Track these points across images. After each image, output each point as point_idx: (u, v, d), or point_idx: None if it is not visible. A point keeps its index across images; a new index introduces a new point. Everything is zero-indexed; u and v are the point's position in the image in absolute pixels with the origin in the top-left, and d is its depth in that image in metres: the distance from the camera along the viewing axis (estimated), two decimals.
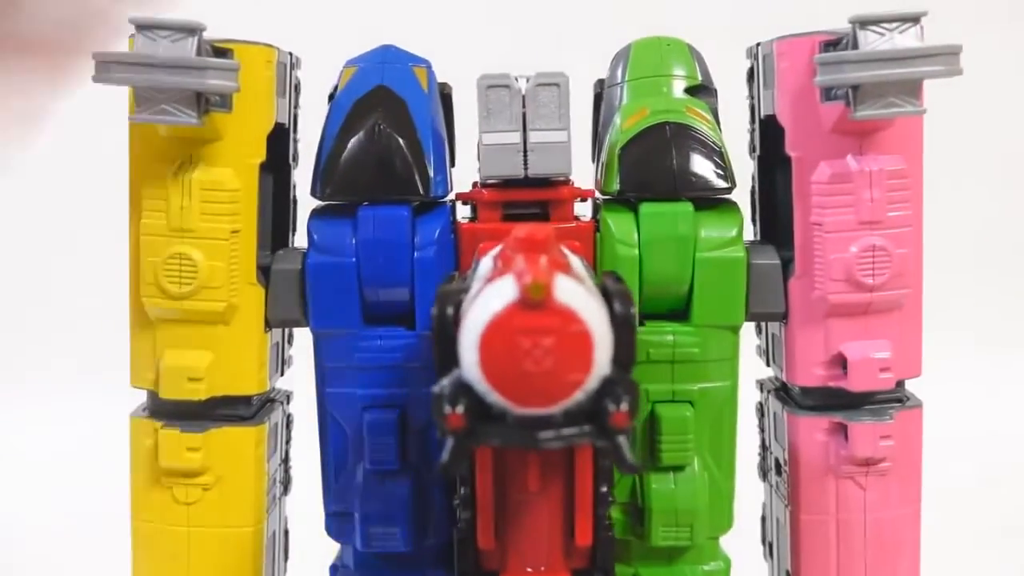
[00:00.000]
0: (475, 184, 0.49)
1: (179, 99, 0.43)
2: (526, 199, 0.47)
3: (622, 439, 0.32)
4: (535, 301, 0.30)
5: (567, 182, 0.48)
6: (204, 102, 0.44)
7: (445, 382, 0.32)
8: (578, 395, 0.31)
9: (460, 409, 0.31)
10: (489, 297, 0.32)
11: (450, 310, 0.34)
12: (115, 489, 0.52)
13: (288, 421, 0.54)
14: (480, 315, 0.31)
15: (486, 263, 0.39)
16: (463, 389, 0.32)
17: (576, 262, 0.40)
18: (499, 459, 0.39)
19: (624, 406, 0.31)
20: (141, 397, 0.50)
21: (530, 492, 0.40)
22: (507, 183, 0.47)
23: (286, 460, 0.54)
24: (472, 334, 0.31)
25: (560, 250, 0.38)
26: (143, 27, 0.42)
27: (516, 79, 0.46)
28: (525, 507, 0.40)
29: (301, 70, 0.52)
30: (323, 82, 0.50)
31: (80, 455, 0.94)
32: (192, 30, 0.42)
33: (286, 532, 0.55)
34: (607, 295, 0.35)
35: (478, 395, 0.32)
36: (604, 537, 0.41)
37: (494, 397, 0.31)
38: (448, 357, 0.33)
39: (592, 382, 0.31)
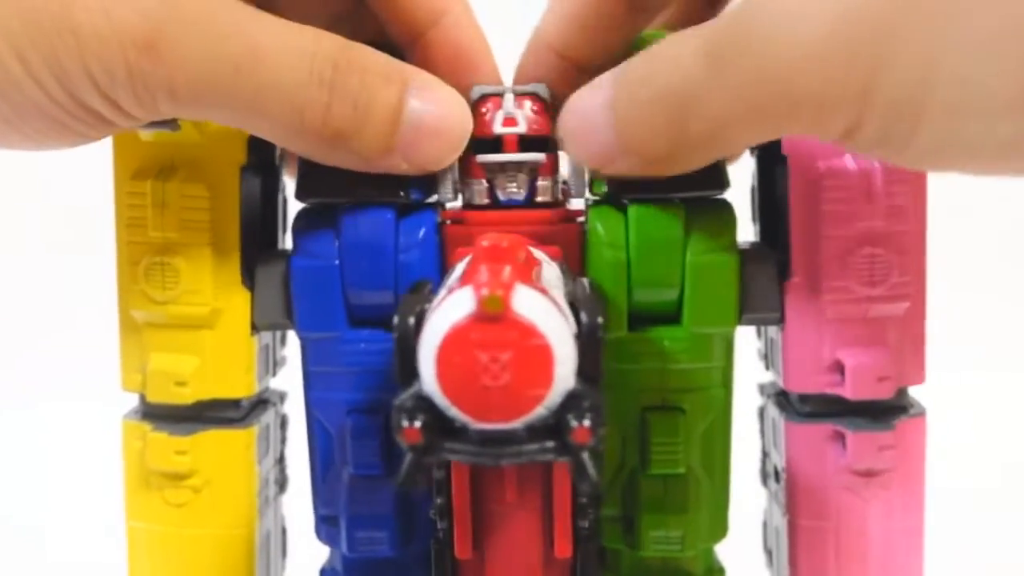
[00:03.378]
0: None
1: None
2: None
3: (585, 455, 0.31)
4: (492, 314, 0.30)
5: (557, 202, 0.47)
6: None
7: (405, 395, 0.31)
8: (539, 410, 0.30)
9: (418, 423, 0.31)
10: (447, 308, 0.31)
11: (411, 320, 0.33)
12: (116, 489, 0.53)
13: (283, 422, 0.54)
14: (438, 327, 0.30)
15: (457, 271, 0.38)
16: (423, 403, 0.31)
17: (549, 271, 0.39)
18: (475, 468, 0.39)
19: (587, 422, 0.30)
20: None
21: (507, 503, 0.39)
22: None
23: (281, 460, 0.54)
24: (429, 347, 0.31)
25: (530, 258, 0.37)
26: None
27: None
28: (503, 518, 0.40)
29: None
30: None
31: (84, 456, 0.95)
32: None
33: (283, 531, 0.55)
34: (575, 306, 0.34)
35: (438, 409, 0.31)
36: (585, 549, 0.40)
37: (453, 411, 0.31)
38: (409, 369, 0.32)
39: (554, 397, 0.30)
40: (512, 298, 0.30)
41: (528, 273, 0.33)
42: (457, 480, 0.38)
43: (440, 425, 0.31)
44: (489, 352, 0.30)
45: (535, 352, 0.30)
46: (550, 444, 0.31)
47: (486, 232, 0.44)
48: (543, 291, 0.32)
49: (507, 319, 0.29)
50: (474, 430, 0.31)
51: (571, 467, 0.31)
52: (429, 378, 0.31)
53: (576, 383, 0.31)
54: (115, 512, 0.51)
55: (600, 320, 0.33)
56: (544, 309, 0.31)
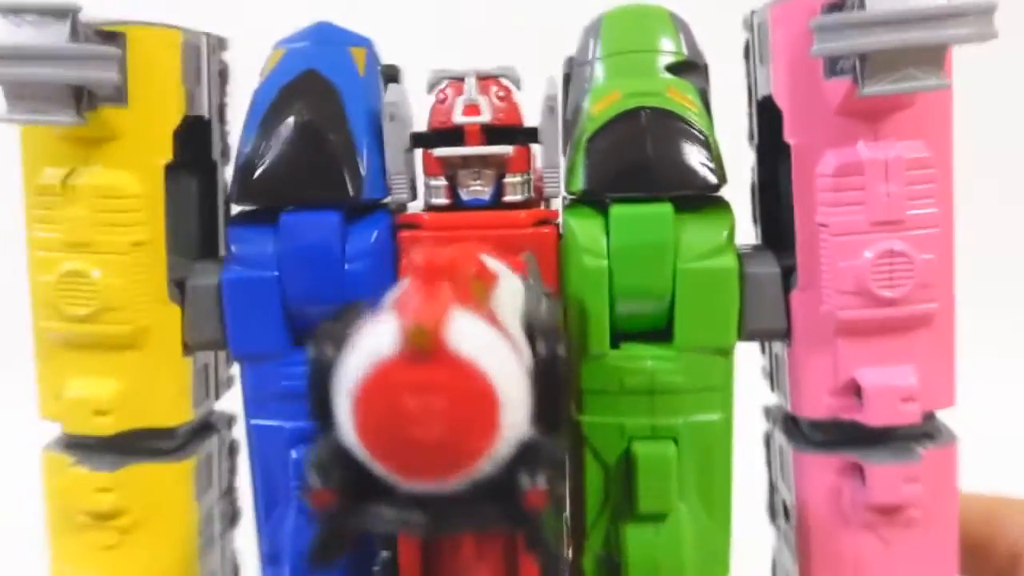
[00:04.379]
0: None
1: (54, 94, 0.38)
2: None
3: (541, 521, 0.25)
4: (421, 350, 0.24)
5: (528, 202, 0.42)
6: (88, 96, 0.39)
7: (318, 447, 0.26)
8: (483, 466, 0.25)
9: (332, 484, 0.25)
10: (368, 341, 0.25)
11: (328, 353, 0.27)
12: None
13: (231, 448, 0.50)
14: (356, 365, 0.25)
15: (395, 291, 0.32)
16: (340, 456, 0.25)
17: (508, 289, 0.33)
18: None
19: (541, 481, 0.24)
20: None
21: (463, 559, 0.33)
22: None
23: (229, 492, 0.50)
24: (347, 389, 0.25)
25: (483, 273, 0.31)
26: (5, 10, 0.37)
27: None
28: None
29: (229, 53, 0.47)
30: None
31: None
32: (64, 12, 0.37)
33: (236, 569, 0.50)
34: (532, 335, 0.28)
35: (358, 464, 0.25)
36: None
37: (377, 468, 0.25)
38: (325, 415, 0.26)
39: (502, 449, 0.25)
40: (447, 329, 0.24)
41: (473, 295, 0.27)
42: (403, 538, 0.32)
43: (361, 484, 0.25)
44: (418, 397, 0.24)
45: (475, 395, 0.24)
46: (496, 510, 0.25)
47: (445, 239, 0.39)
48: (491, 318, 0.26)
49: (440, 356, 0.24)
50: (403, 491, 0.25)
51: (524, 536, 0.25)
52: (347, 427, 0.25)
53: (531, 431, 0.25)
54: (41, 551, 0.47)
55: (561, 351, 0.27)
56: (489, 342, 0.25)
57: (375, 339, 0.25)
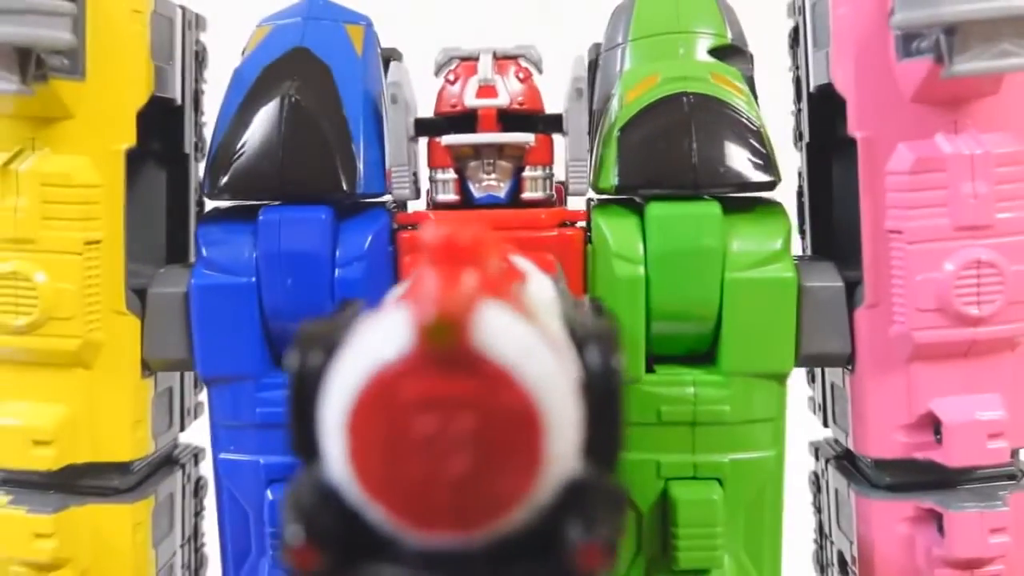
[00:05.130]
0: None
1: None
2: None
3: None
4: (441, 351, 0.18)
5: (549, 201, 0.39)
6: (36, 63, 0.35)
7: (298, 487, 0.20)
8: (518, 514, 0.19)
9: (318, 536, 0.19)
10: (369, 343, 0.19)
11: (316, 360, 0.21)
12: None
13: (197, 487, 0.46)
14: (351, 375, 0.19)
15: (402, 288, 0.27)
16: (327, 500, 0.19)
17: (540, 288, 0.28)
18: None
19: (598, 536, 0.18)
20: None
21: None
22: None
23: (194, 538, 0.46)
24: (337, 408, 0.19)
25: (510, 266, 0.25)
26: None
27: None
28: None
29: (207, 33, 0.44)
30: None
31: None
32: None
33: None
34: (581, 341, 0.22)
35: (351, 511, 0.19)
36: None
37: (377, 515, 0.19)
38: (307, 442, 0.20)
39: (543, 491, 0.19)
40: (474, 324, 0.18)
41: (505, 286, 0.21)
42: None
43: (356, 538, 0.19)
44: (436, 416, 0.18)
45: (513, 414, 0.18)
46: (537, 573, 0.19)
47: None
48: (527, 315, 0.20)
49: (466, 360, 0.18)
50: (412, 547, 0.19)
51: None
52: (338, 460, 0.19)
53: (581, 466, 0.19)
54: None
55: (618, 362, 0.21)
56: (529, 342, 0.19)
57: (378, 339, 0.19)
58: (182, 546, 0.44)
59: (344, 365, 0.19)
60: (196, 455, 0.45)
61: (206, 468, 0.46)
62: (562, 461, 0.19)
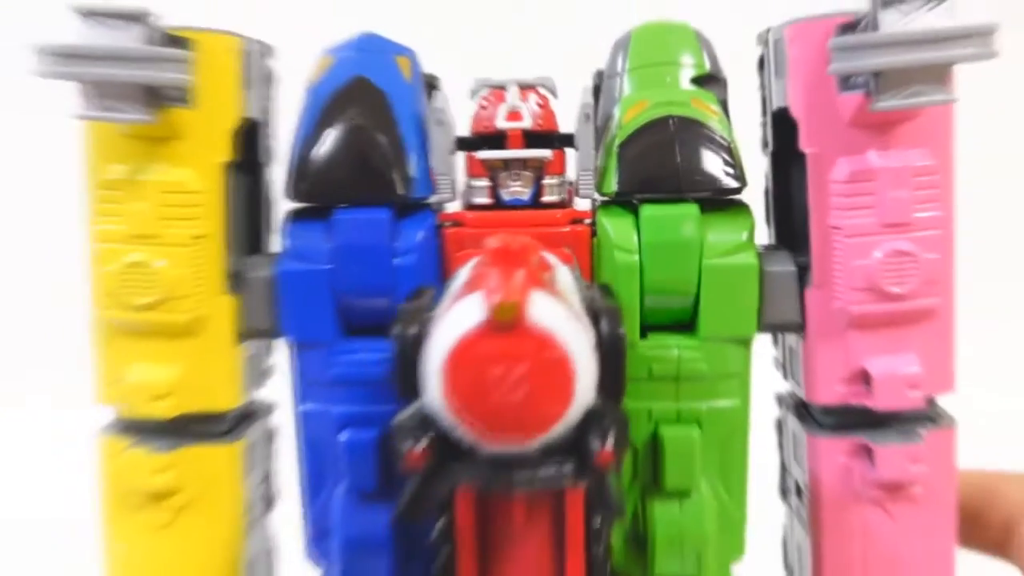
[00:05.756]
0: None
1: (128, 94, 0.40)
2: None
3: (607, 479, 0.28)
4: (506, 323, 0.27)
5: (563, 203, 0.45)
6: (158, 97, 0.41)
7: (406, 414, 0.28)
8: (557, 429, 0.27)
9: (422, 446, 0.28)
10: (455, 318, 0.28)
11: (413, 330, 0.30)
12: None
13: (270, 435, 0.51)
14: (445, 338, 0.27)
15: (462, 276, 0.35)
16: (427, 422, 0.28)
17: (564, 276, 0.36)
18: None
19: (610, 442, 0.27)
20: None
21: (515, 525, 0.36)
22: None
23: (268, 477, 0.51)
24: (436, 360, 0.28)
25: (543, 262, 0.34)
26: (86, 13, 0.39)
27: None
28: (510, 542, 0.37)
29: (275, 60, 0.49)
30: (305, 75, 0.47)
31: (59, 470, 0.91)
32: (139, 16, 0.39)
33: (269, 552, 0.52)
34: (594, 314, 0.31)
35: (443, 429, 0.28)
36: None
37: (461, 432, 0.28)
38: (410, 385, 0.29)
39: (573, 414, 0.28)
40: (527, 305, 0.27)
41: (542, 278, 0.30)
42: (461, 502, 0.35)
43: (445, 447, 0.28)
44: (502, 365, 0.27)
45: (554, 365, 0.27)
46: (568, 467, 0.28)
47: (487, 235, 0.42)
48: (562, 296, 0.29)
49: (522, 328, 0.27)
50: (484, 452, 0.28)
51: (592, 492, 0.28)
52: (435, 395, 0.28)
53: (597, 399, 0.28)
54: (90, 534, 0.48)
55: (622, 330, 0.30)
56: (562, 318, 0.28)
57: (462, 314, 0.28)
58: (260, 483, 0.50)
59: (440, 333, 0.28)
60: (268, 408, 0.51)
61: (275, 420, 0.51)
62: (584, 395, 0.28)
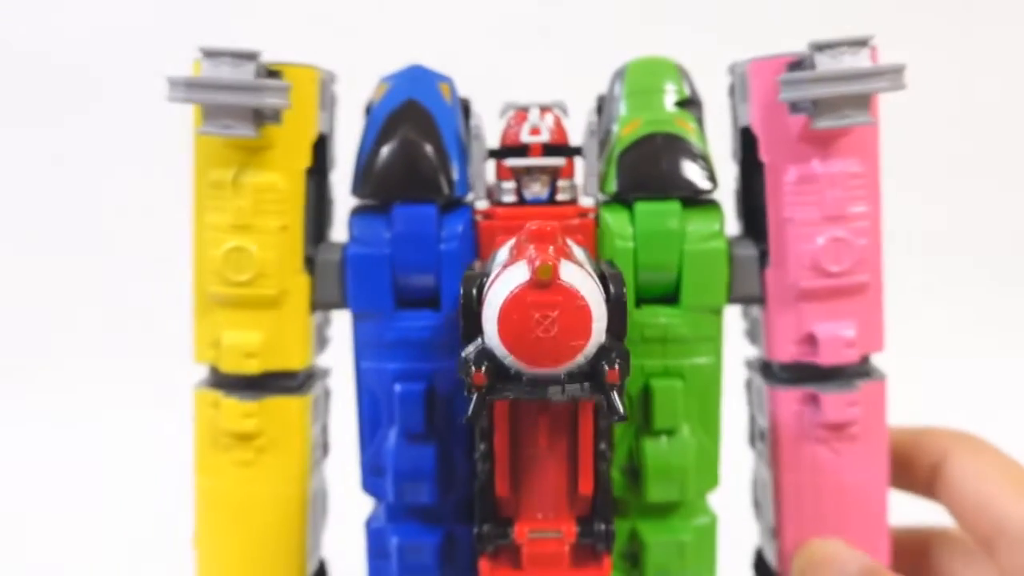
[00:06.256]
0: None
1: (239, 115, 0.49)
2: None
3: (614, 393, 0.38)
4: (544, 281, 0.37)
5: (573, 201, 0.53)
6: (260, 117, 0.49)
7: (470, 349, 0.39)
8: (579, 358, 0.38)
9: (483, 370, 0.38)
10: (507, 279, 0.38)
11: (474, 291, 0.40)
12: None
13: (328, 394, 0.58)
14: (500, 294, 0.38)
15: (503, 253, 0.46)
16: (485, 354, 0.38)
17: (579, 252, 0.46)
18: (514, 419, 0.45)
19: (617, 366, 0.38)
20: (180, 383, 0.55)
21: (540, 447, 0.46)
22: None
23: (325, 428, 0.58)
24: (493, 309, 0.38)
25: (565, 241, 0.44)
26: (210, 54, 0.49)
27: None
28: (535, 461, 0.47)
29: (336, 85, 0.58)
30: (357, 96, 0.57)
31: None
32: (251, 56, 0.49)
33: (324, 491, 0.60)
34: (604, 279, 0.42)
35: (497, 359, 0.38)
36: (603, 489, 0.48)
37: (510, 360, 0.38)
38: (472, 329, 0.39)
39: (591, 348, 0.38)
40: (560, 269, 0.37)
41: (567, 251, 0.41)
42: (499, 428, 0.46)
43: (499, 371, 0.38)
44: (541, 311, 0.37)
45: (578, 311, 0.37)
46: (587, 385, 0.38)
47: (514, 227, 0.51)
48: (581, 265, 0.40)
49: (556, 285, 0.37)
50: (526, 375, 0.38)
51: (604, 403, 0.39)
52: (492, 334, 0.38)
53: (607, 338, 0.39)
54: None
55: (625, 290, 0.41)
56: (583, 279, 0.38)
57: (512, 276, 0.38)
58: (321, 432, 0.56)
59: (495, 289, 0.39)
60: (326, 372, 0.57)
61: (330, 383, 0.59)
62: (599, 334, 0.38)
